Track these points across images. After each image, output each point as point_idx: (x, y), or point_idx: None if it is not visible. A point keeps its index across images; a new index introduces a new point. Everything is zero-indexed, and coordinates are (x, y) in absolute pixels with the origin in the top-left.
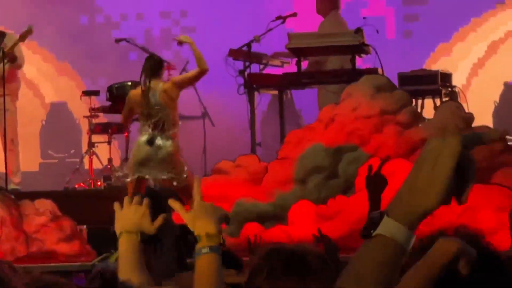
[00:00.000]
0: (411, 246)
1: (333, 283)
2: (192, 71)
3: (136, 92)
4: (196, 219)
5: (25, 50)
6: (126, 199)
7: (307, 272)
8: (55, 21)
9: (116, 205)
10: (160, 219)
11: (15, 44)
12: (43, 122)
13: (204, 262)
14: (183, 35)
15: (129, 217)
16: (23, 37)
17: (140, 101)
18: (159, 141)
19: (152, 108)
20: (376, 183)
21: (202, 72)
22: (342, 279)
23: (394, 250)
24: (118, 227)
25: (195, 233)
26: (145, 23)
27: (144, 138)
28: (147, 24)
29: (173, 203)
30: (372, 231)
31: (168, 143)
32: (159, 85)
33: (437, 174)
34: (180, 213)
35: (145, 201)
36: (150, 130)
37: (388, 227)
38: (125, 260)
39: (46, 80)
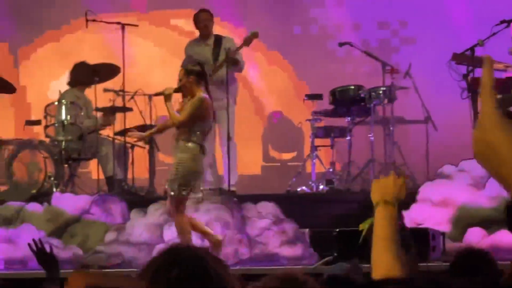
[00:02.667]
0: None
1: None
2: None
3: (208, 98)
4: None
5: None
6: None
7: None
8: (268, 29)
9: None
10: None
11: (240, 47)
12: (265, 126)
13: None
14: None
15: (388, 186)
16: (247, 42)
17: (211, 107)
18: None
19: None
20: None
21: (173, 125)
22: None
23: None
24: (375, 197)
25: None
26: (362, 33)
27: (202, 150)
28: (364, 35)
29: None
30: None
31: None
32: None
33: None
34: None
35: (403, 172)
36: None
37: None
38: (379, 234)
39: (265, 84)
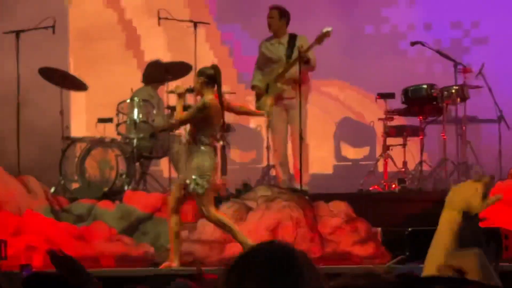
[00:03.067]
0: None
1: None
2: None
3: (215, 102)
4: None
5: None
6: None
7: None
8: (339, 29)
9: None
10: (493, 198)
11: (312, 46)
12: (337, 125)
13: None
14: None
15: (459, 192)
16: (320, 40)
17: (219, 112)
18: None
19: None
20: None
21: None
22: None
23: None
24: (447, 201)
25: None
26: (434, 33)
27: (215, 152)
28: (436, 35)
29: None
30: None
31: None
32: None
33: None
34: None
35: (485, 178)
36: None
37: None
38: (438, 238)
39: (337, 82)
